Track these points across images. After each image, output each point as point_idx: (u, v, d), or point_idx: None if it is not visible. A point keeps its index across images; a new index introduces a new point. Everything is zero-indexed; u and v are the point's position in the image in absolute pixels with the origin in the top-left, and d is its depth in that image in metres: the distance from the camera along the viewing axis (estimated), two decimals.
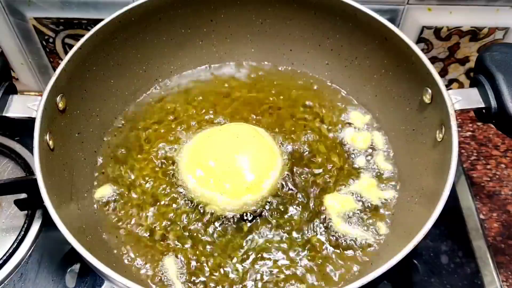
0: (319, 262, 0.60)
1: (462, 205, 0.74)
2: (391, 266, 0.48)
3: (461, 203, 0.75)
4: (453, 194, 0.75)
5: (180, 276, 0.59)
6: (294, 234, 0.62)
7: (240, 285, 0.59)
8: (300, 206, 0.64)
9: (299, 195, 0.65)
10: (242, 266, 0.60)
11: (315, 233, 0.62)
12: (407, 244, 0.49)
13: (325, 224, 0.62)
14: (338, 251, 0.61)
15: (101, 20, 0.65)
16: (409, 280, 0.67)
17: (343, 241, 0.61)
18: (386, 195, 0.65)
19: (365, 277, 0.47)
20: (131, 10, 0.66)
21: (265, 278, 0.59)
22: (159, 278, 0.59)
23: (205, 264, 0.60)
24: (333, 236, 0.62)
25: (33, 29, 0.80)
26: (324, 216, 0.63)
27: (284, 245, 0.61)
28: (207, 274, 0.59)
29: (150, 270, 0.60)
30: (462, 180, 0.78)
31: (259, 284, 0.59)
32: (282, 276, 0.59)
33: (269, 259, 0.60)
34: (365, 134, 0.71)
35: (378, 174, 0.67)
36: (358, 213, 0.63)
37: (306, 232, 0.62)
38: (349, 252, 0.61)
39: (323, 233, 0.62)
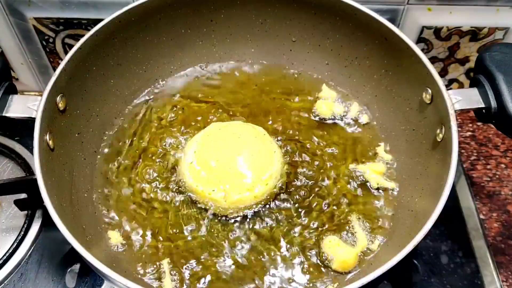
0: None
1: (462, 205, 0.74)
2: (391, 266, 0.48)
3: (461, 203, 0.74)
4: (453, 194, 0.75)
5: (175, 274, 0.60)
6: (296, 230, 0.62)
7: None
8: (302, 205, 0.64)
9: (301, 193, 0.65)
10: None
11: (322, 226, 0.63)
12: (407, 244, 0.49)
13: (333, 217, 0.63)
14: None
15: (101, 20, 0.65)
16: (409, 280, 0.67)
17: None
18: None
19: (365, 277, 0.47)
20: (131, 10, 0.66)
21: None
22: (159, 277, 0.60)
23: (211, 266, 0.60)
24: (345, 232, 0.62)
25: (33, 29, 0.80)
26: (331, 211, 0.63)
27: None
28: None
29: (150, 270, 0.60)
30: (462, 180, 0.78)
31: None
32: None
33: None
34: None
35: (378, 174, 0.67)
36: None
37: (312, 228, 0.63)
38: None
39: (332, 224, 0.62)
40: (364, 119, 0.72)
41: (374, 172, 0.67)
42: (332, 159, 0.68)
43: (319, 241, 0.61)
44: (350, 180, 0.67)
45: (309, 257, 0.60)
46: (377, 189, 0.66)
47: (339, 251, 0.60)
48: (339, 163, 0.68)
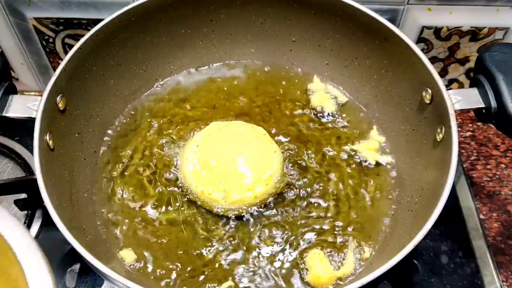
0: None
1: (462, 205, 0.74)
2: (391, 266, 0.48)
3: (461, 203, 0.75)
4: (453, 194, 0.75)
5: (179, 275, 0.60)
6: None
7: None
8: (303, 203, 0.64)
9: (302, 192, 0.65)
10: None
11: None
12: (407, 244, 0.49)
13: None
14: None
15: (101, 20, 0.65)
16: (409, 280, 0.67)
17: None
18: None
19: (365, 277, 0.47)
20: (131, 10, 0.66)
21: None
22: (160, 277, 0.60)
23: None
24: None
25: (33, 29, 0.80)
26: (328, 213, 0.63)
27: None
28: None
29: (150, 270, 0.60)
30: (462, 180, 0.78)
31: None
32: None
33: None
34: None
35: (378, 174, 0.67)
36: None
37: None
38: None
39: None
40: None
41: (369, 149, 0.68)
42: (330, 156, 0.69)
43: (306, 250, 0.61)
44: (350, 180, 0.67)
45: (290, 264, 0.60)
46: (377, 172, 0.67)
47: (317, 265, 0.58)
48: (337, 160, 0.68)
